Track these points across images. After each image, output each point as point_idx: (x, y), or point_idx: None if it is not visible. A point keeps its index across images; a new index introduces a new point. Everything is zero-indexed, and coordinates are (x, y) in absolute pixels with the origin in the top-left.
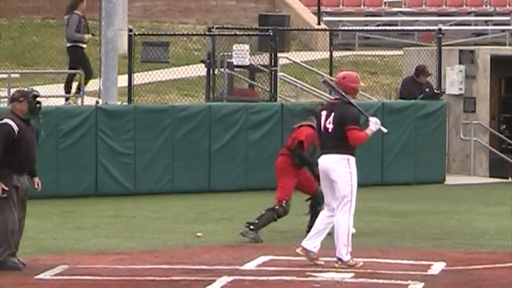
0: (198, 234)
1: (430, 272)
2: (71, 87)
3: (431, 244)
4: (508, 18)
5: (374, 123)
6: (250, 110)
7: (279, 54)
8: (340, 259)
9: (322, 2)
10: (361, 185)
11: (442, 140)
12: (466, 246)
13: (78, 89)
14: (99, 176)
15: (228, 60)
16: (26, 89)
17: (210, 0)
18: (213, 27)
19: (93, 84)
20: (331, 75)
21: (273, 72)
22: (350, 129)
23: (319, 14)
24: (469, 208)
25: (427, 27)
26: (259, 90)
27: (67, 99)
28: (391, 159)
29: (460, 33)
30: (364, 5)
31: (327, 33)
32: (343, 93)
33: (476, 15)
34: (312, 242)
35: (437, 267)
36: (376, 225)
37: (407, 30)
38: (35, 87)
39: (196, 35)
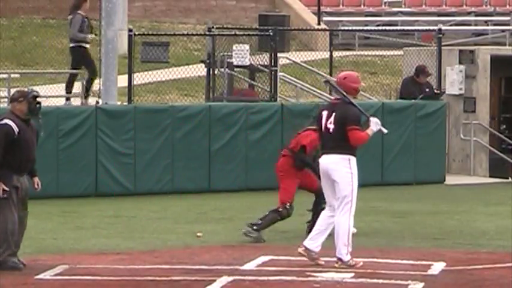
0: (198, 234)
1: (430, 272)
2: (72, 87)
3: (431, 244)
4: (508, 18)
5: (375, 124)
6: (250, 110)
7: (279, 54)
8: (340, 259)
9: (322, 2)
10: (361, 185)
11: (442, 140)
12: (466, 246)
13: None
14: (99, 176)
15: (228, 60)
16: (25, 89)
17: (210, 0)
18: (213, 27)
19: (93, 84)
20: (331, 75)
21: (273, 72)
22: (351, 129)
23: (319, 14)
24: (469, 208)
25: (427, 27)
26: (259, 90)
27: (68, 99)
28: (391, 159)
29: (460, 33)
30: (364, 5)
31: (327, 33)
32: (345, 93)
33: (476, 15)
34: (314, 242)
35: (437, 267)
36: (376, 225)
37: (407, 30)
38: (35, 87)
39: (196, 35)
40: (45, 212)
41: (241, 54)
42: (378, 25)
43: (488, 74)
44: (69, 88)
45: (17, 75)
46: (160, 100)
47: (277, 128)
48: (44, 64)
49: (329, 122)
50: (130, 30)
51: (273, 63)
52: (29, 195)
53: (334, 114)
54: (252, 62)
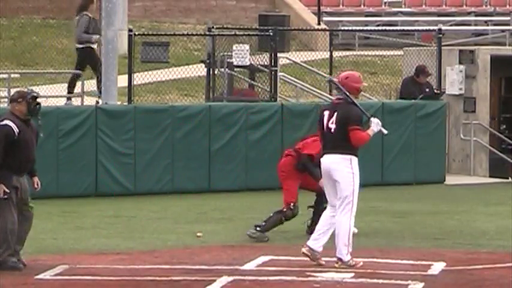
0: (198, 234)
1: (430, 272)
2: (74, 88)
3: (431, 244)
4: (508, 18)
5: (376, 124)
6: (250, 110)
7: (279, 54)
8: (340, 259)
9: (322, 2)
10: (361, 185)
11: (442, 140)
12: (466, 246)
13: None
14: (99, 176)
15: (228, 60)
16: (25, 90)
17: (210, 0)
18: (213, 27)
19: (93, 84)
20: (331, 75)
21: (273, 72)
22: (353, 129)
23: (319, 14)
24: (469, 208)
25: (427, 27)
26: (259, 90)
27: (69, 98)
28: (391, 159)
29: (460, 33)
30: (364, 5)
31: (327, 33)
32: (347, 93)
33: (476, 15)
34: (318, 242)
35: (437, 267)
36: (376, 225)
37: (407, 30)
38: (35, 87)
39: (196, 35)
40: (45, 212)
41: (241, 54)
42: (378, 25)
43: (488, 74)
44: (71, 88)
45: (17, 75)
46: (160, 100)
47: (277, 128)
48: (44, 64)
49: (331, 122)
50: (130, 30)
51: (273, 63)
52: (29, 195)
53: (336, 114)
54: (252, 62)
